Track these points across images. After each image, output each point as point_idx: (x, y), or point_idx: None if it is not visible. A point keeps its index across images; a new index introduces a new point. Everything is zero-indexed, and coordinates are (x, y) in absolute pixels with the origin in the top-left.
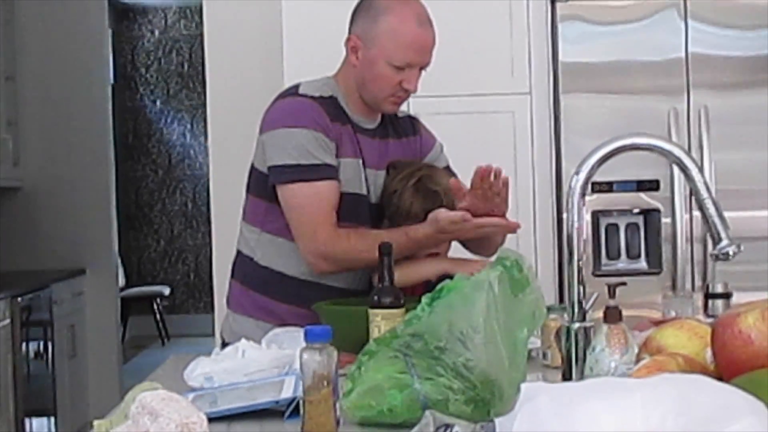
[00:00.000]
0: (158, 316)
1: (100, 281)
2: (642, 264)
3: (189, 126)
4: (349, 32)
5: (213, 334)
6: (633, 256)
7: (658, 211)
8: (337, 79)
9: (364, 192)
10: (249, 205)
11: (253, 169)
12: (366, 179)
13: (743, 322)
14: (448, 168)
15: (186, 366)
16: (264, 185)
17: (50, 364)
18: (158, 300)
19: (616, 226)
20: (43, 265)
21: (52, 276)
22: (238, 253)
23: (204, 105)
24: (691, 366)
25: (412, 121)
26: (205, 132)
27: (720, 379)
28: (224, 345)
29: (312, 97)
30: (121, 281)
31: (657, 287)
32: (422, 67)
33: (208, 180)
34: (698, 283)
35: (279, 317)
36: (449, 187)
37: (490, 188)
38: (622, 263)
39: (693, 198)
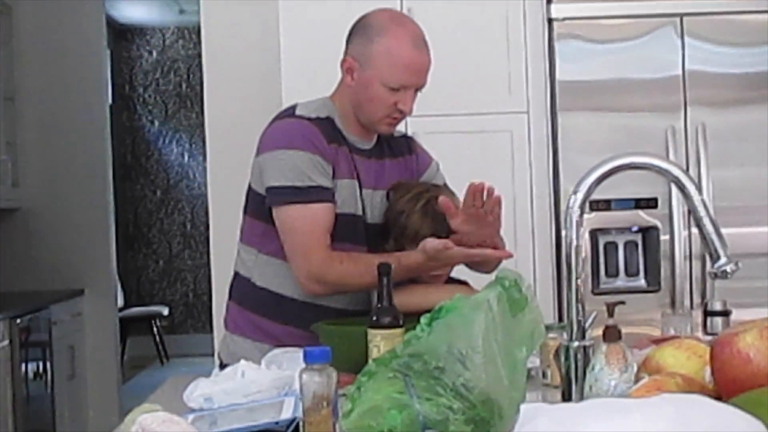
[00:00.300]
0: (157, 336)
1: (99, 302)
2: (641, 282)
3: (187, 146)
4: (345, 53)
5: (212, 354)
6: (632, 273)
7: (656, 228)
8: (334, 99)
9: (360, 212)
10: (246, 226)
11: (250, 190)
12: (362, 200)
13: (742, 341)
14: (445, 186)
15: (185, 387)
16: (261, 206)
17: (49, 385)
18: (157, 320)
19: (614, 244)
20: (42, 286)
21: (51, 297)
22: (236, 274)
23: (202, 125)
24: (690, 385)
25: (408, 141)
26: (204, 152)
27: (719, 398)
28: (222, 366)
29: (309, 119)
30: (120, 301)
31: (656, 305)
32: (417, 89)
33: (206, 200)
34: (697, 300)
35: (276, 338)
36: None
37: (482, 206)
38: (621, 281)
39: (691, 216)
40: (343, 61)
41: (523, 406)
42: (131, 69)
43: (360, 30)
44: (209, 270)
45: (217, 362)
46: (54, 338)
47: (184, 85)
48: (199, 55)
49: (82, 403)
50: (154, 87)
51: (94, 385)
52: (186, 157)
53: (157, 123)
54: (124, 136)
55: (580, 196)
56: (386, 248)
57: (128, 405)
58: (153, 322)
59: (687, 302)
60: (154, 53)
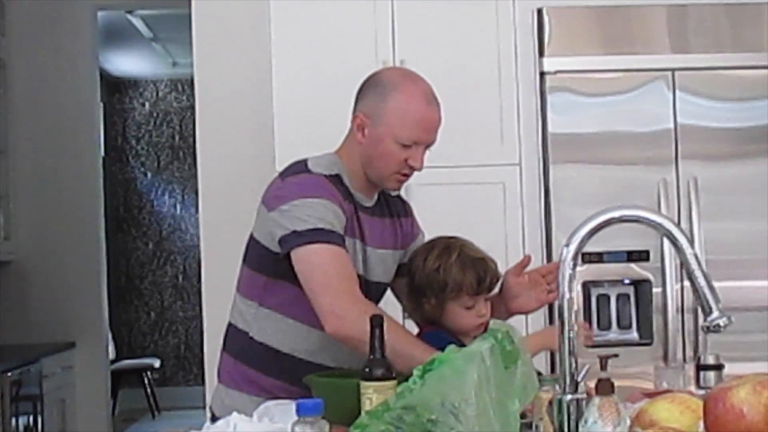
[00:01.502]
0: (148, 388)
1: (90, 355)
2: (633, 335)
3: (180, 198)
4: (355, 110)
5: (204, 407)
6: (624, 326)
7: (648, 281)
8: (341, 155)
9: (361, 272)
10: (246, 277)
11: (254, 243)
12: (365, 258)
13: (735, 396)
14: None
15: None
16: (266, 260)
17: None
18: (148, 372)
19: (606, 296)
20: (34, 339)
21: (42, 350)
22: (232, 326)
23: (195, 177)
24: None
25: (404, 204)
26: (196, 204)
27: None
28: (214, 419)
29: (325, 176)
30: (111, 353)
31: (648, 358)
32: (428, 146)
33: (198, 252)
34: (689, 353)
35: (271, 393)
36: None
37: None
38: (614, 334)
39: (683, 269)
40: (354, 118)
41: None
42: (124, 121)
43: (371, 87)
44: (201, 322)
45: (208, 415)
46: (45, 392)
47: (176, 137)
48: (192, 107)
49: None
50: (146, 139)
51: None
52: (178, 209)
53: (149, 175)
54: (117, 187)
55: (572, 248)
56: (426, 308)
57: None
58: (144, 374)
59: (680, 355)
60: (147, 105)
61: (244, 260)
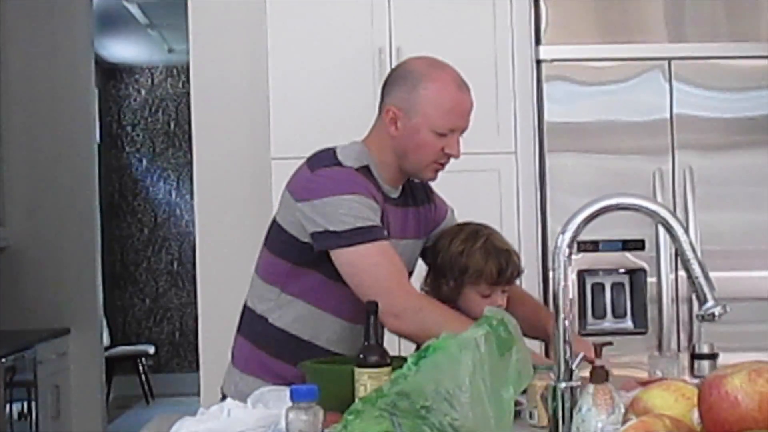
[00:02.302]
0: (143, 375)
1: (84, 341)
2: (628, 323)
3: (175, 184)
4: (385, 102)
5: (198, 394)
6: (619, 315)
7: (643, 270)
8: (369, 146)
9: None
10: (268, 263)
11: (278, 229)
12: None
13: (730, 384)
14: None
15: (171, 426)
16: (291, 248)
17: (34, 425)
18: (143, 359)
19: (601, 285)
20: (28, 325)
21: (36, 336)
22: (249, 310)
23: (190, 163)
24: (678, 427)
25: (426, 189)
26: (191, 190)
27: None
28: (224, 399)
29: (356, 169)
30: (106, 340)
31: (643, 347)
32: (462, 132)
33: (193, 238)
34: (684, 343)
35: (287, 380)
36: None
37: None
38: (608, 322)
39: (679, 258)
40: (386, 112)
41: None
42: (119, 108)
43: (400, 78)
44: (196, 308)
45: (219, 396)
46: (39, 378)
47: (172, 124)
48: (188, 94)
49: None
50: (142, 125)
51: (79, 425)
52: (174, 196)
53: (144, 161)
54: (112, 174)
55: (568, 236)
56: (443, 289)
57: None
58: (139, 361)
59: (674, 344)
60: (143, 92)
61: (266, 244)
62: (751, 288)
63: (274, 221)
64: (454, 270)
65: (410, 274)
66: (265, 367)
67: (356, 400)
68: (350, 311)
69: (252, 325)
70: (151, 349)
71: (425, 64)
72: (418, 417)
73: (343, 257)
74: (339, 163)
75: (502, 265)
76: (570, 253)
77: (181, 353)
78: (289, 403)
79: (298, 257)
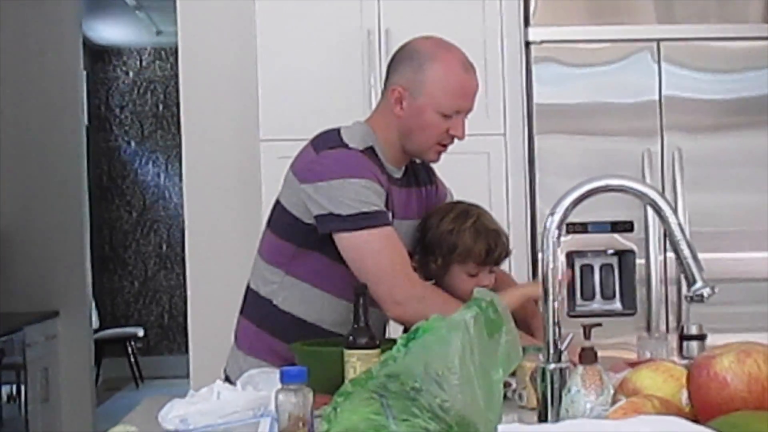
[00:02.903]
0: (132, 358)
1: (73, 324)
2: (616, 305)
3: (164, 167)
4: (391, 82)
5: (188, 376)
6: (607, 296)
7: (632, 252)
8: (373, 126)
9: None
10: (272, 244)
11: (282, 210)
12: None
13: (719, 365)
14: (479, 206)
15: (161, 408)
16: (295, 230)
17: (23, 408)
18: (132, 342)
19: (590, 266)
20: (17, 308)
21: (25, 319)
22: (253, 292)
23: (179, 146)
24: (667, 408)
25: (427, 170)
26: (180, 173)
27: (696, 421)
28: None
29: (361, 151)
30: (95, 323)
31: (632, 328)
32: (467, 113)
33: (182, 221)
34: (672, 324)
35: (293, 364)
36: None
37: None
38: (597, 304)
39: (667, 239)
40: (391, 91)
41: (500, 427)
42: (108, 90)
43: (406, 58)
44: (185, 291)
45: (221, 378)
46: (28, 361)
47: (160, 106)
48: (176, 76)
49: (55, 426)
50: (130, 108)
51: (68, 408)
52: (162, 178)
53: (133, 144)
54: (100, 157)
55: (557, 217)
56: (431, 267)
57: (103, 428)
58: (128, 343)
59: (662, 326)
60: (131, 74)
61: (269, 225)
62: (740, 269)
63: (277, 202)
64: (443, 248)
65: (411, 254)
66: (270, 349)
67: (346, 381)
68: None
69: (256, 307)
70: (141, 332)
71: (432, 45)
72: (407, 399)
73: (346, 241)
74: (344, 145)
75: (490, 245)
76: (559, 235)
77: (170, 336)
78: (279, 385)
79: (302, 239)
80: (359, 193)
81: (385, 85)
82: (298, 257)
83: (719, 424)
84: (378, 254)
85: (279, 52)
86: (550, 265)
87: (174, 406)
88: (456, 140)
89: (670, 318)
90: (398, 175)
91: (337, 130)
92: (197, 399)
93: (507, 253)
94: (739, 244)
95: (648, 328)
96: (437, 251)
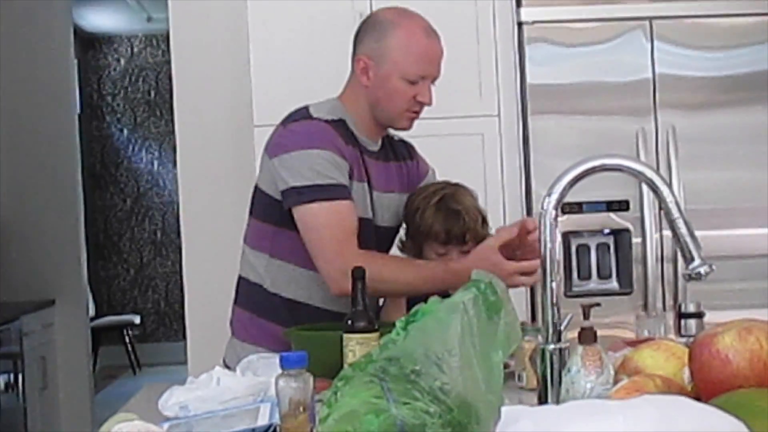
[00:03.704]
0: (129, 345)
1: (70, 312)
2: (613, 284)
3: (157, 154)
4: (357, 53)
5: (186, 362)
6: (604, 276)
7: (628, 231)
8: (344, 101)
9: (370, 215)
10: (254, 229)
11: (259, 193)
12: (372, 202)
13: (720, 342)
14: (460, 185)
15: (160, 395)
16: (272, 210)
17: (21, 396)
18: (129, 329)
19: (586, 246)
20: (13, 297)
21: (21, 308)
22: (243, 279)
23: (172, 133)
24: (669, 386)
25: (407, 147)
26: (174, 159)
27: (698, 399)
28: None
29: (326, 121)
30: (91, 311)
31: (629, 307)
32: (434, 80)
33: (176, 208)
34: (669, 302)
35: (289, 346)
36: (476, 208)
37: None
38: (594, 283)
39: (663, 217)
40: (356, 62)
41: (505, 409)
42: (99, 77)
43: (369, 29)
44: (181, 278)
45: (207, 364)
46: (25, 349)
47: (152, 93)
48: (168, 62)
49: (54, 415)
50: (122, 95)
51: (66, 396)
52: (156, 165)
53: (126, 131)
54: (93, 144)
55: (554, 198)
56: (407, 246)
57: (101, 415)
58: (124, 331)
59: (659, 304)
60: (122, 61)
61: (251, 213)
62: (736, 246)
63: (256, 187)
64: (411, 228)
65: (396, 228)
66: (266, 333)
67: (345, 365)
68: None
69: (248, 295)
70: (137, 319)
71: (393, 13)
72: (408, 382)
73: (297, 214)
74: (309, 117)
75: (449, 225)
76: (556, 216)
77: (166, 322)
78: (278, 371)
79: (279, 219)
80: (316, 165)
81: (352, 57)
82: (278, 238)
83: (722, 402)
84: (323, 228)
85: (271, 36)
86: (548, 246)
87: (174, 393)
88: (425, 107)
89: (667, 296)
90: (375, 147)
91: (307, 106)
92: (197, 385)
93: (468, 233)
94: (734, 221)
95: (645, 307)
96: (409, 231)
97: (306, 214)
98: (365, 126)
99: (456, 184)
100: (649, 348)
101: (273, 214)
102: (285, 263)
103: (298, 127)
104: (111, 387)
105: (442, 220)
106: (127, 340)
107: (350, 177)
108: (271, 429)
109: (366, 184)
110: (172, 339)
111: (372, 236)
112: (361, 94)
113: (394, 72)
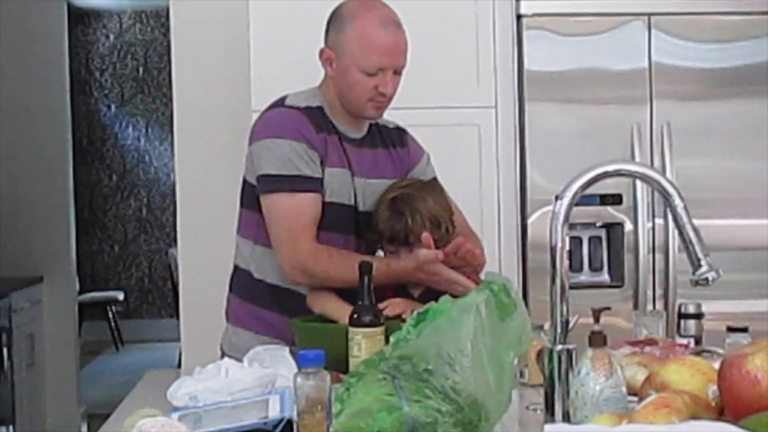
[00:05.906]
0: (112, 321)
1: (58, 289)
2: (604, 276)
3: (144, 131)
4: (324, 44)
5: (169, 340)
6: (595, 268)
7: (620, 224)
8: (322, 89)
9: (351, 202)
10: (242, 218)
11: (244, 181)
12: (354, 188)
13: (750, 363)
14: (434, 180)
15: (165, 383)
16: (253, 197)
17: (9, 373)
18: (112, 305)
19: (579, 239)
20: (1, 274)
21: (10, 284)
22: (236, 267)
23: (159, 110)
24: (696, 403)
25: (400, 133)
26: (161, 137)
27: (722, 415)
28: (224, 356)
29: (298, 108)
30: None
31: (619, 299)
32: (396, 71)
33: (162, 185)
34: (659, 292)
35: (277, 329)
36: (430, 213)
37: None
38: (585, 276)
39: (657, 211)
40: (321, 53)
41: (547, 427)
42: (87, 53)
43: (333, 20)
44: (165, 255)
45: (218, 353)
46: (14, 326)
47: (141, 70)
48: (156, 39)
49: (41, 390)
50: (110, 71)
51: (53, 373)
52: (143, 142)
53: (113, 107)
54: (80, 120)
55: (566, 201)
56: (367, 237)
57: (85, 391)
58: (108, 307)
59: (650, 294)
60: (111, 37)
61: (240, 202)
62: (729, 236)
63: (243, 178)
64: (369, 225)
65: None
66: (254, 317)
67: (350, 358)
68: None
69: (238, 281)
70: (121, 296)
71: (354, 5)
72: (419, 380)
73: (262, 203)
74: (282, 104)
75: (392, 225)
76: (567, 219)
77: (150, 299)
78: (285, 362)
79: (260, 205)
80: (283, 155)
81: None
82: (262, 225)
83: (751, 423)
84: (281, 220)
85: (271, 21)
86: (559, 246)
87: (183, 383)
88: (390, 97)
89: (657, 287)
90: (357, 135)
91: (286, 95)
92: (206, 376)
93: (412, 235)
94: (728, 212)
95: (635, 298)
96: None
97: (267, 203)
98: (341, 114)
99: (425, 185)
100: (675, 363)
101: (255, 201)
102: (268, 249)
103: (270, 115)
104: (94, 362)
105: (387, 219)
106: (110, 316)
107: (325, 164)
108: (284, 422)
109: (347, 170)
110: (155, 316)
111: (352, 222)
112: (331, 84)
113: (351, 64)
